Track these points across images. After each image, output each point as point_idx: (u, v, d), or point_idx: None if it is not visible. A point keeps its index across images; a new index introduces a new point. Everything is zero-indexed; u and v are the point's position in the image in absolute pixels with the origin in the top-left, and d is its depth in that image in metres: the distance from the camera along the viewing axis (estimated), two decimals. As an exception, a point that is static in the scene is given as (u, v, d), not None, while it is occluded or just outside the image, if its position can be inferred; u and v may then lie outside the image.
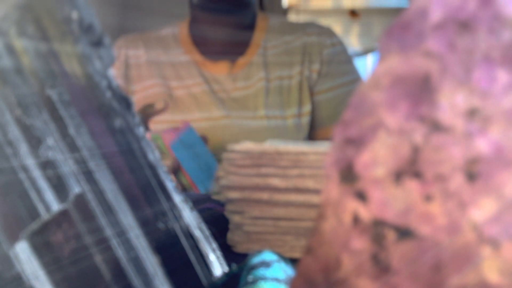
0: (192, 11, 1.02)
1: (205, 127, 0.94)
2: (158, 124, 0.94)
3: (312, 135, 1.00)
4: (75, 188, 0.31)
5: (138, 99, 0.99)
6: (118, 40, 1.04)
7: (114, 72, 1.18)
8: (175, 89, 0.99)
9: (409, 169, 0.21)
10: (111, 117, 0.31)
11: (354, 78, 1.01)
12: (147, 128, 0.80)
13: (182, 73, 0.99)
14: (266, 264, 0.36)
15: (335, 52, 1.00)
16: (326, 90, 0.99)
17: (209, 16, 0.98)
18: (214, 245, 0.33)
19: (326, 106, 0.99)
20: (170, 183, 0.32)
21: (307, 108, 0.98)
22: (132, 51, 1.02)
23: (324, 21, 1.21)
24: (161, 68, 1.00)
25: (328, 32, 1.02)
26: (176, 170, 0.77)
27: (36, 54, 0.31)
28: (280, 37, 1.02)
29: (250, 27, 1.02)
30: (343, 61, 1.01)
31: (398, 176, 0.21)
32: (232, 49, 1.00)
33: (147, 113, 0.80)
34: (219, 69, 0.99)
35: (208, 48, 1.00)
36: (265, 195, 0.49)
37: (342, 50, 1.02)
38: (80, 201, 0.31)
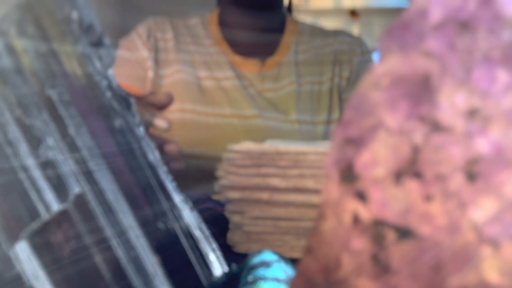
0: (221, 10, 1.02)
1: (236, 124, 0.92)
2: (187, 113, 0.92)
3: None
4: (75, 188, 0.31)
5: (166, 84, 0.96)
6: (147, 20, 1.01)
7: (145, 52, 1.13)
8: (204, 79, 0.96)
9: (409, 169, 0.21)
10: (111, 117, 0.31)
11: None
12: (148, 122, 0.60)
13: (212, 64, 0.97)
14: (266, 264, 0.36)
15: (364, 60, 1.01)
16: None
17: (240, 17, 0.98)
18: (214, 245, 0.33)
19: None
20: (170, 183, 0.32)
21: (336, 115, 0.98)
22: (160, 34, 0.99)
23: (324, 21, 1.21)
24: (189, 56, 0.98)
25: (358, 41, 1.04)
26: None
27: (36, 54, 0.31)
28: (310, 41, 1.02)
29: (280, 29, 1.02)
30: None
31: (398, 176, 0.21)
32: (262, 49, 0.99)
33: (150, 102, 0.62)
34: (249, 67, 0.98)
35: (238, 46, 0.99)
36: (265, 195, 0.49)
37: (371, 58, 1.03)
38: (80, 201, 0.31)
